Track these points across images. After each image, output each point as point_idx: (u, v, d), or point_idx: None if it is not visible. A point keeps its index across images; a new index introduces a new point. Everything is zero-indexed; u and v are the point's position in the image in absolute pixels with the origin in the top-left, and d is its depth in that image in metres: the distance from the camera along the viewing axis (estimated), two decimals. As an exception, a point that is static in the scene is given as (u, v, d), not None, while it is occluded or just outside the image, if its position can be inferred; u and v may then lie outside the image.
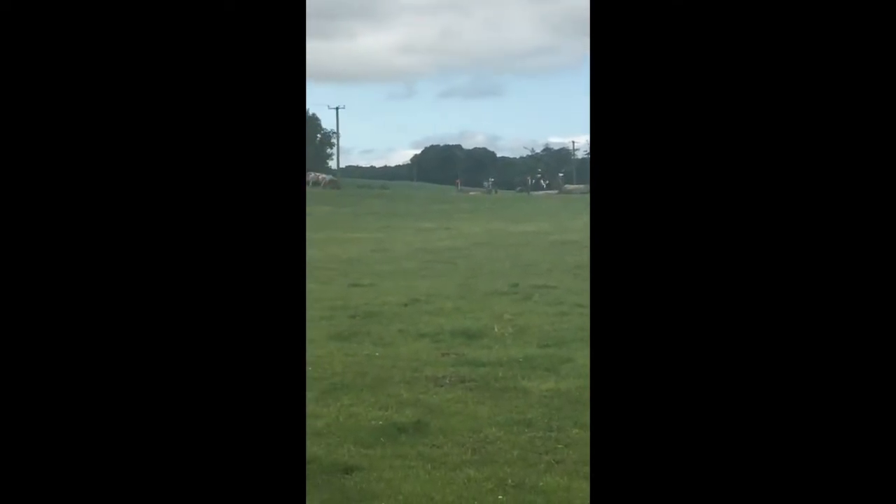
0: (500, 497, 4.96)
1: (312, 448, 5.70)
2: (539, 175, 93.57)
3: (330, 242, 23.51)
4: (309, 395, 7.07)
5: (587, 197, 20.87)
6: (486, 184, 64.67)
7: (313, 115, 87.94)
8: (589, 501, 2.57)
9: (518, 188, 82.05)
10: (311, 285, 14.24)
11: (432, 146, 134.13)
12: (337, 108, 67.96)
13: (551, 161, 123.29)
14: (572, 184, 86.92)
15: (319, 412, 6.56)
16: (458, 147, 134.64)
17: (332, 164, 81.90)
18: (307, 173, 54.60)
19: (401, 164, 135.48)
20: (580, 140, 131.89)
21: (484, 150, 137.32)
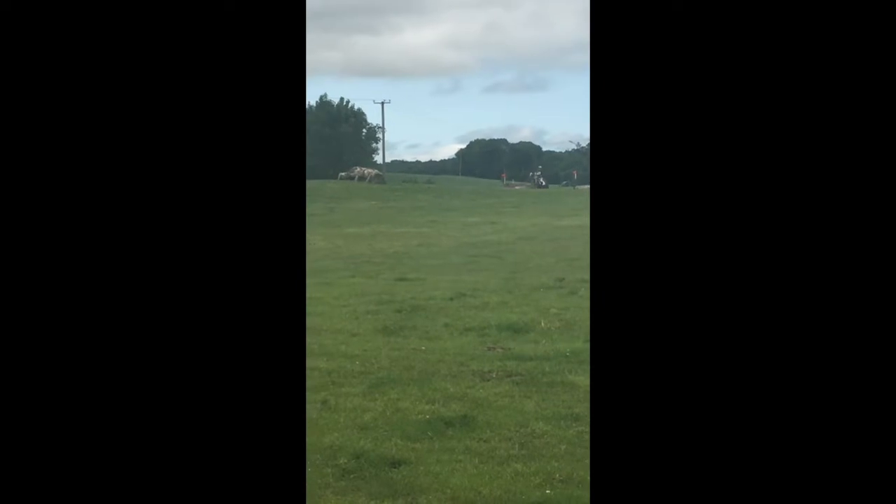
0: (547, 491, 4.95)
1: (360, 441, 5.74)
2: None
3: (376, 237, 23.59)
4: (356, 389, 7.11)
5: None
6: (532, 177, 64.50)
7: (359, 109, 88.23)
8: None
9: (564, 182, 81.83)
10: (357, 279, 14.35)
11: (477, 140, 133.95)
12: (382, 103, 68.36)
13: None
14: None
15: (366, 406, 6.60)
16: (504, 141, 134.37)
17: (378, 158, 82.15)
18: (353, 168, 54.71)
19: (446, 158, 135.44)
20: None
21: (529, 144, 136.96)
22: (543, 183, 62.61)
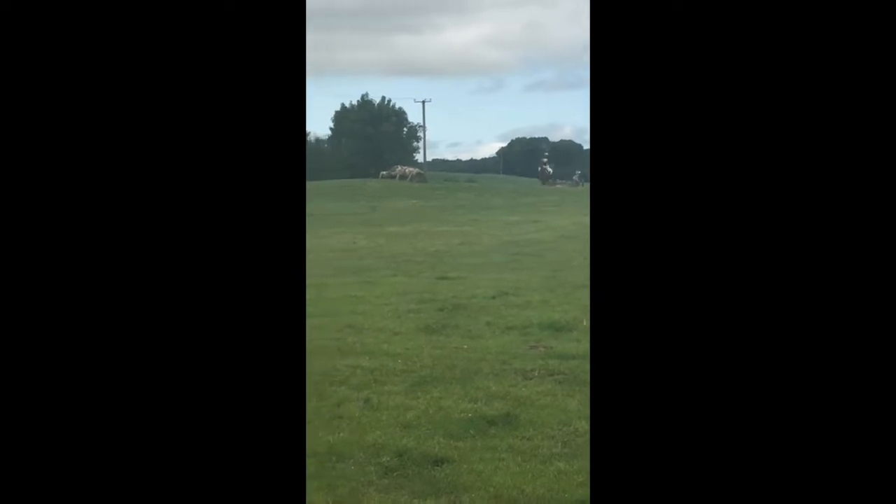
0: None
1: (402, 440, 5.75)
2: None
3: (418, 236, 23.63)
4: (398, 387, 7.13)
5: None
6: (574, 177, 64.23)
7: (399, 108, 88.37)
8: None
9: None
10: (398, 278, 14.39)
11: (518, 139, 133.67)
12: (423, 102, 68.55)
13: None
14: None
15: (409, 404, 6.61)
16: (545, 140, 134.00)
17: (419, 157, 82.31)
18: (394, 167, 54.79)
19: (487, 157, 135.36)
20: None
21: (570, 142, 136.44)
22: (578, 181, 62.38)
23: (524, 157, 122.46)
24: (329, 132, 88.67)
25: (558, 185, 56.42)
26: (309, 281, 10.56)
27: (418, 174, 52.33)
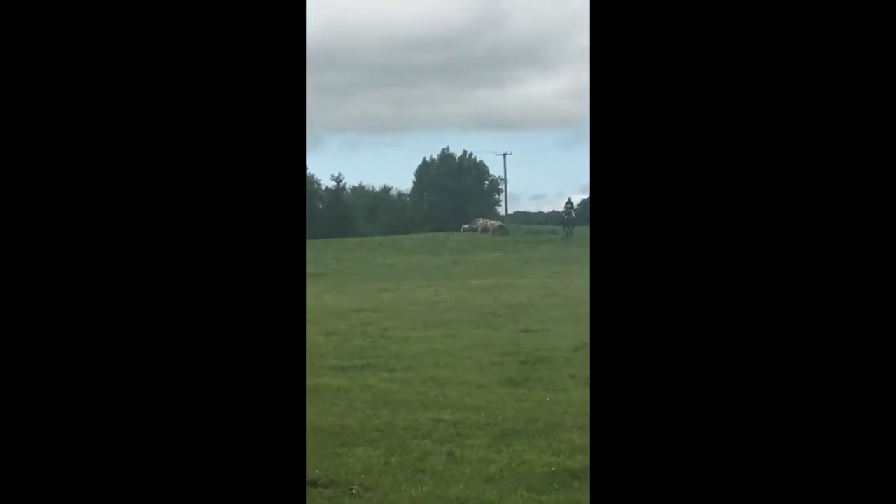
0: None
1: (486, 493, 5.74)
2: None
3: (500, 288, 23.59)
4: (481, 441, 7.12)
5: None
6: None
7: (481, 161, 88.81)
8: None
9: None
10: (481, 331, 14.38)
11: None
12: (504, 155, 68.91)
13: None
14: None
15: (492, 458, 6.59)
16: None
17: (501, 210, 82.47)
18: (476, 220, 54.92)
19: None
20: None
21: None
22: None
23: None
24: (411, 186, 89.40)
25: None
26: (393, 334, 10.60)
27: (500, 227, 52.35)
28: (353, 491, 5.79)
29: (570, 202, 50.35)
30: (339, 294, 21.76)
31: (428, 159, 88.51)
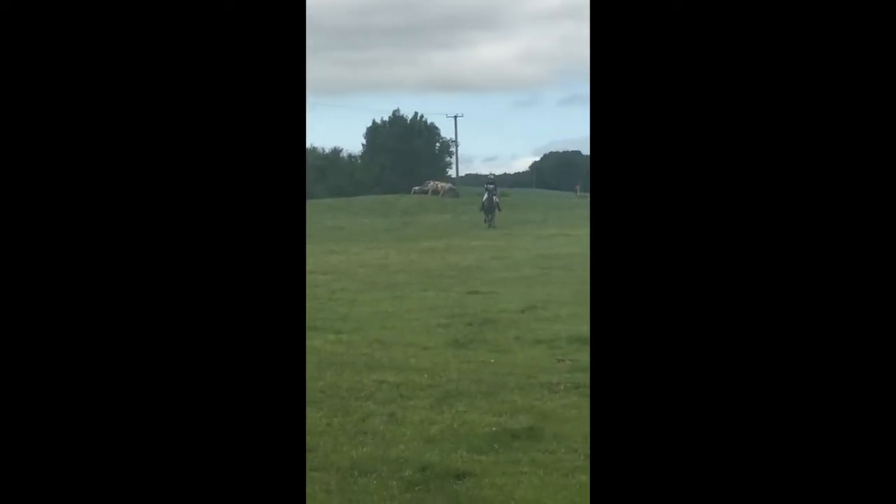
0: (612, 503, 4.93)
1: (426, 454, 5.77)
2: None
3: (449, 251, 23.64)
4: (424, 402, 7.15)
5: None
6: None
7: (431, 124, 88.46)
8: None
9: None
10: (429, 293, 14.42)
11: (552, 153, 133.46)
12: (455, 117, 68.86)
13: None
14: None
15: (434, 418, 6.63)
16: (578, 153, 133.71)
17: (452, 172, 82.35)
18: (426, 182, 54.85)
19: (520, 171, 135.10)
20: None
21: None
22: None
23: (557, 170, 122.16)
24: (361, 148, 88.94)
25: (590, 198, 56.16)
26: (341, 296, 10.57)
27: (451, 189, 52.33)
28: (294, 452, 5.78)
29: (490, 180, 35.39)
30: (287, 256, 21.64)
31: (378, 121, 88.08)
